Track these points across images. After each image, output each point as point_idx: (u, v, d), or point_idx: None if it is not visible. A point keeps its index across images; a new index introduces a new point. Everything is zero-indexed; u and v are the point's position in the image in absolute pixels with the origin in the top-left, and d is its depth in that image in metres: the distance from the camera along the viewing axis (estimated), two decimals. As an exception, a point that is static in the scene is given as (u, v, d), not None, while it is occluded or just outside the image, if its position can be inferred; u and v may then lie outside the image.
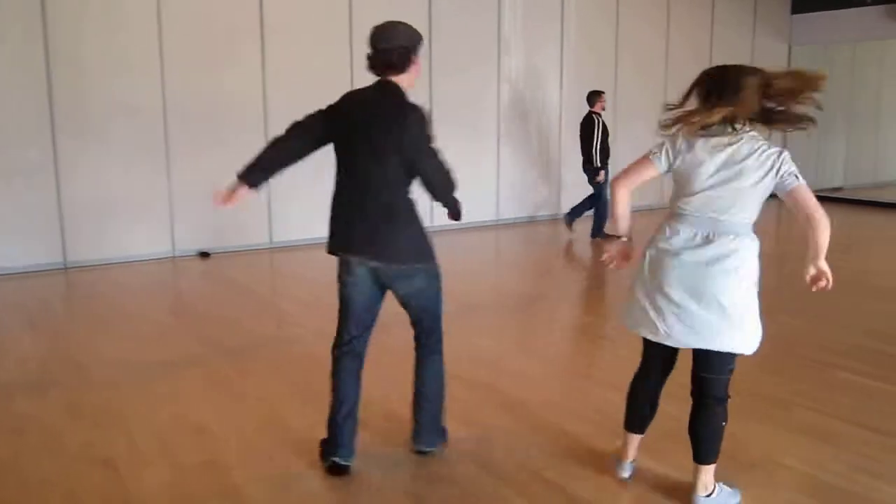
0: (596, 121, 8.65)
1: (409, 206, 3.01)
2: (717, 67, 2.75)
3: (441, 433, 3.35)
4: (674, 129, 2.70)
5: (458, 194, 3.08)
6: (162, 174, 7.61)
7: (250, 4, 7.85)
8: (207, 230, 7.88)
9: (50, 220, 7.12)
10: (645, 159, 2.81)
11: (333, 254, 3.18)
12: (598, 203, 8.81)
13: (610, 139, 8.79)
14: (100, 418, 3.79)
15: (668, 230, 2.76)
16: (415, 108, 2.91)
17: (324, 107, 3.10)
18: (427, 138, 2.93)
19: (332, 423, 3.15)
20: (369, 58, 2.98)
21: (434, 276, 3.13)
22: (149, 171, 7.55)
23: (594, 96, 8.73)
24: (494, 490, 3.04)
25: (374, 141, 2.92)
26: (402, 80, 2.98)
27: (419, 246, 3.03)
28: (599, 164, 8.66)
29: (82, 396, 4.09)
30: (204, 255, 7.84)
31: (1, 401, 4.03)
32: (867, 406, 3.91)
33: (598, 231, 8.81)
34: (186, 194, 7.72)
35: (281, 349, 4.96)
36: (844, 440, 3.51)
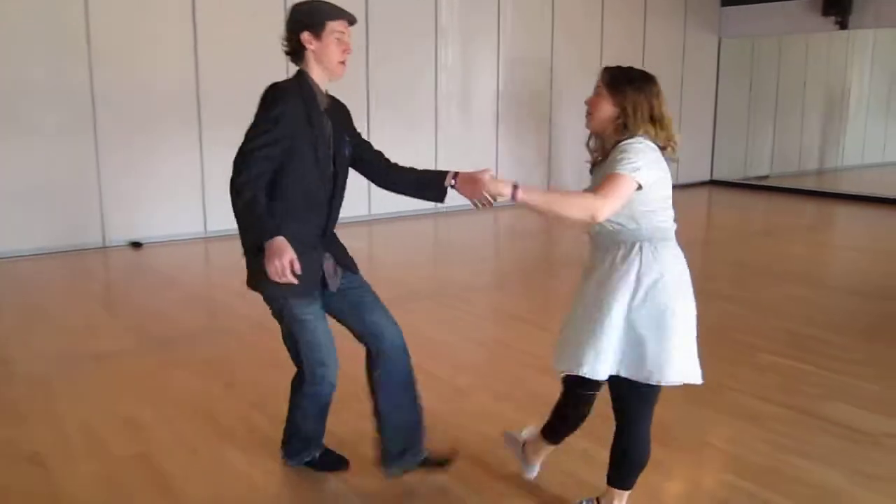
0: None
1: (237, 186, 2.55)
2: None
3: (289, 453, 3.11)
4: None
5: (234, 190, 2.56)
6: (91, 161, 7.38)
7: (181, -13, 7.66)
8: (139, 219, 7.68)
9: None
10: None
11: None
12: None
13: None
14: (25, 413, 3.68)
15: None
16: (268, 88, 2.58)
17: None
18: (257, 116, 2.55)
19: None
20: None
21: (273, 305, 2.75)
22: (77, 159, 7.30)
23: None
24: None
25: None
26: (310, 69, 2.64)
27: (251, 266, 2.68)
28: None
29: (6, 392, 3.97)
30: (136, 245, 7.64)
31: (-82, 397, 3.87)
32: (791, 387, 4.06)
33: None
34: (116, 182, 7.50)
35: (213, 340, 4.89)
36: (770, 420, 3.64)
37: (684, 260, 2.51)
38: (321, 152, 2.62)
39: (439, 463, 3.00)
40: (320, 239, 2.71)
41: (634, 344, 2.40)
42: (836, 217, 10.45)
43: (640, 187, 2.35)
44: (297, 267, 2.41)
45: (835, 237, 9.28)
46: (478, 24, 9.90)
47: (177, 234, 7.91)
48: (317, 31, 2.58)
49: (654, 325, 2.39)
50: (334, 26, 2.60)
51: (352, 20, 2.67)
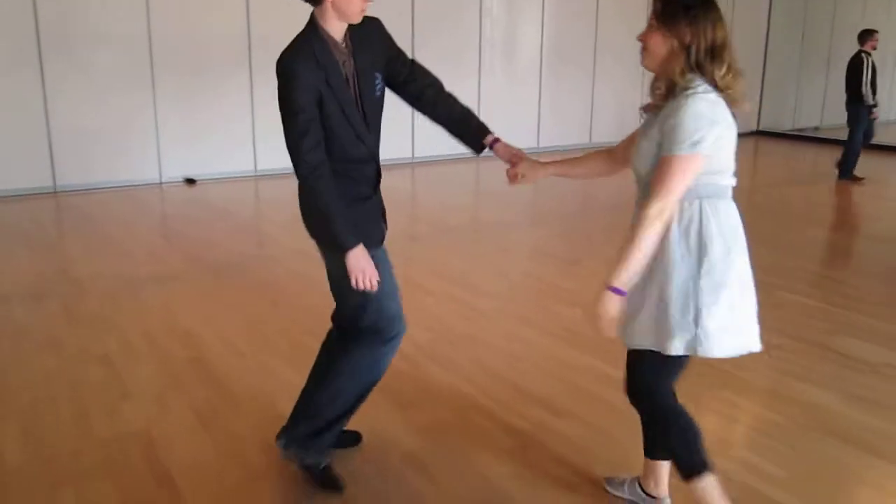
0: (865, 60, 8.87)
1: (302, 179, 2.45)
2: None
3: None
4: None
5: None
6: (149, 103, 7.77)
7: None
8: (194, 157, 8.09)
9: (39, 145, 7.30)
10: None
11: None
12: (851, 142, 9.04)
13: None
14: (95, 323, 4.11)
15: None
16: (278, 62, 2.43)
17: None
18: (280, 102, 2.44)
19: None
20: None
21: (331, 259, 2.59)
22: (135, 100, 7.71)
23: (865, 35, 9.00)
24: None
25: None
26: (325, 16, 2.40)
27: (308, 220, 2.57)
28: (873, 102, 8.92)
29: (77, 305, 4.41)
30: (190, 181, 8.06)
31: (2, 310, 4.33)
32: (803, 322, 4.27)
33: (847, 171, 9.00)
34: (172, 122, 7.90)
35: (260, 265, 5.29)
36: (777, 350, 3.86)
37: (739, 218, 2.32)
38: (348, 111, 2.44)
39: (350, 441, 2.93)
40: (373, 190, 2.60)
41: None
42: (886, 169, 10.36)
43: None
44: (377, 277, 2.39)
45: (879, 188, 9.23)
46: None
47: (229, 172, 8.32)
48: None
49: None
50: None
51: None
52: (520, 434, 3.02)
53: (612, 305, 2.16)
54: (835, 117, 13.17)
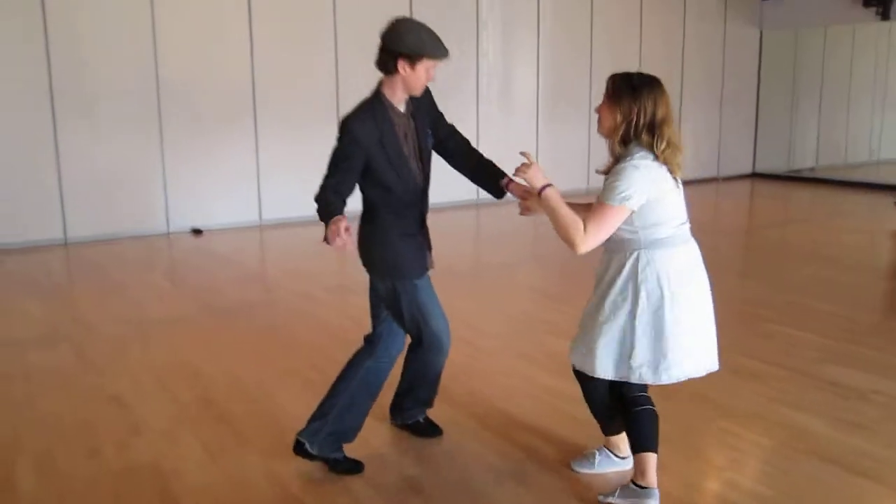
0: None
1: (370, 216, 3.01)
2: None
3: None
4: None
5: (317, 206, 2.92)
6: (156, 155, 8.02)
7: (239, -8, 8.26)
8: (200, 208, 8.31)
9: (51, 197, 7.53)
10: None
11: None
12: None
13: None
14: (105, 365, 4.26)
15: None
16: (342, 120, 2.89)
17: None
18: (334, 149, 2.90)
19: None
20: None
21: (398, 289, 3.01)
22: (144, 152, 7.95)
23: None
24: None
25: None
26: (392, 85, 2.88)
27: (368, 253, 3.05)
28: None
29: (88, 348, 4.56)
30: (196, 231, 8.26)
31: (15, 354, 4.48)
32: (792, 352, 4.39)
33: None
34: (180, 174, 8.14)
35: (266, 309, 5.44)
36: (766, 378, 3.99)
37: (693, 259, 2.65)
38: (398, 166, 2.88)
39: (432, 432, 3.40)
40: (419, 228, 3.05)
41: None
42: (879, 207, 10.52)
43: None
44: (348, 229, 2.69)
45: (874, 225, 9.39)
46: (517, 19, 10.29)
47: (234, 222, 8.52)
48: (413, 62, 2.79)
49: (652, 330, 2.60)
50: (431, 63, 2.83)
51: (447, 55, 2.86)
52: (515, 460, 3.14)
53: (538, 185, 2.67)
54: (829, 158, 13.44)
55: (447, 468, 3.12)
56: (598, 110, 2.66)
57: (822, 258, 7.01)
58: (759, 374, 4.04)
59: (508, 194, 3.14)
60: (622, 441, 3.01)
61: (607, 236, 2.57)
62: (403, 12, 9.08)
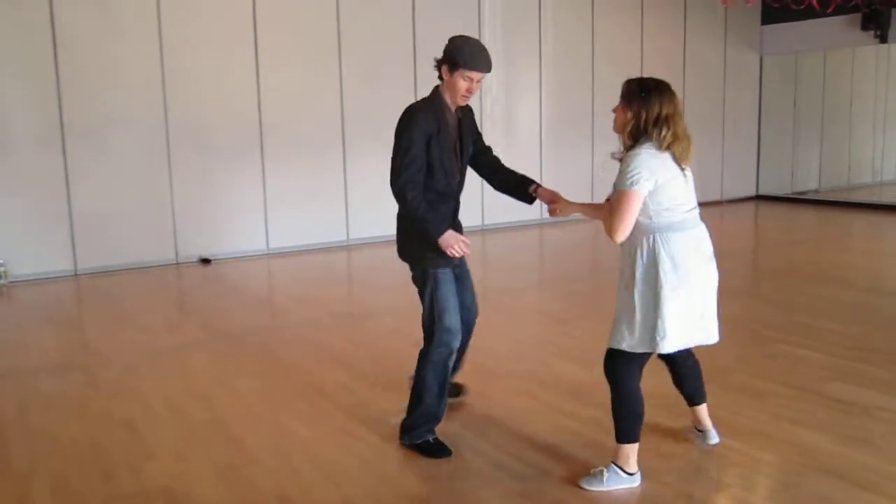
0: None
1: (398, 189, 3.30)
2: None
3: (404, 430, 3.48)
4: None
5: (402, 197, 3.25)
6: (165, 186, 8.13)
7: (244, 20, 8.40)
8: (208, 238, 8.40)
9: (61, 230, 7.63)
10: None
11: None
12: None
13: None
14: (117, 391, 4.32)
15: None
16: (405, 110, 3.34)
17: None
18: (397, 136, 3.29)
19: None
20: None
21: (419, 276, 3.40)
22: (153, 183, 8.06)
23: None
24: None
25: None
26: (443, 90, 3.34)
27: (402, 243, 3.45)
28: None
29: (100, 375, 4.62)
30: (205, 261, 8.34)
31: (28, 382, 4.53)
32: (794, 370, 4.42)
33: None
34: (188, 204, 8.25)
35: (274, 335, 5.50)
36: (771, 396, 4.01)
37: (702, 241, 3.03)
38: (445, 160, 3.29)
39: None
40: (452, 220, 3.42)
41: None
42: (885, 227, 10.56)
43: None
44: (466, 243, 3.26)
45: (879, 245, 9.43)
46: (520, 48, 10.43)
47: (242, 251, 8.60)
48: (451, 69, 3.23)
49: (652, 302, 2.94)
50: (467, 73, 3.22)
51: (486, 70, 3.25)
52: (525, 479, 3.17)
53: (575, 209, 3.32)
54: (832, 179, 13.50)
55: (456, 487, 3.15)
56: (614, 110, 3.08)
57: (827, 278, 7.04)
58: (764, 393, 4.06)
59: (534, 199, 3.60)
60: (633, 453, 3.08)
61: (632, 220, 2.90)
62: (407, 41, 9.28)
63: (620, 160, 3.01)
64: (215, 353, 5.03)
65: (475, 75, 3.23)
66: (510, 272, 7.79)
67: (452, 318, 3.36)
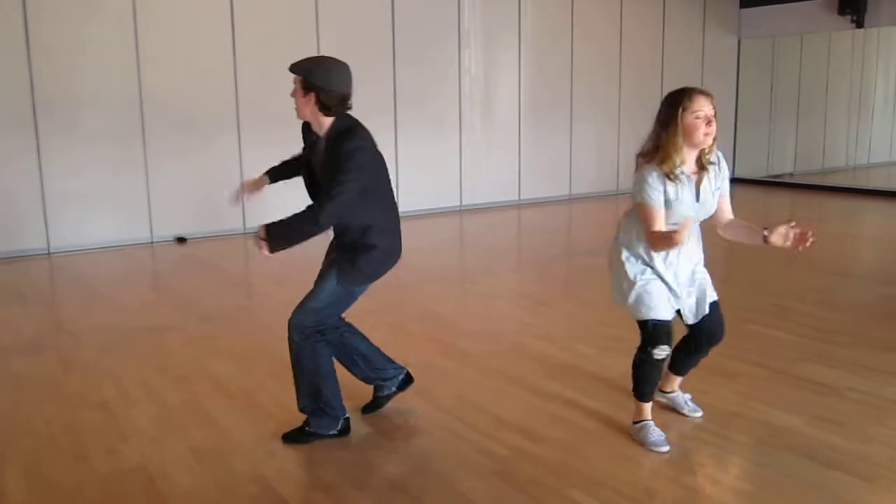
0: None
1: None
2: None
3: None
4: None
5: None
6: (140, 164, 8.03)
7: (221, 2, 8.28)
8: (184, 217, 8.32)
9: (34, 208, 7.52)
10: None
11: None
12: None
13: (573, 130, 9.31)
14: (91, 372, 4.27)
15: None
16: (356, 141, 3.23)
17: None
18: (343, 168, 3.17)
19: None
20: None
21: (336, 283, 3.34)
22: (127, 162, 7.96)
23: None
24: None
25: None
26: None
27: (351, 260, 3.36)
28: None
29: (73, 356, 4.57)
30: (181, 240, 8.27)
31: (-1, 362, 4.48)
32: (769, 351, 4.47)
33: None
34: (163, 183, 8.15)
35: (250, 315, 5.48)
36: (743, 377, 4.07)
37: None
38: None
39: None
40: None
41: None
42: (857, 211, 10.70)
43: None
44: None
45: (851, 229, 9.55)
46: (499, 29, 10.38)
47: (218, 230, 8.53)
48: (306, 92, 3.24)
49: None
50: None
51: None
52: (500, 459, 3.19)
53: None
54: (807, 163, 13.63)
55: (432, 468, 3.16)
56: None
57: (800, 261, 7.11)
58: (738, 374, 4.11)
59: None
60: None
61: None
62: (385, 24, 9.20)
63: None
64: (191, 333, 4.99)
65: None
66: (488, 254, 7.80)
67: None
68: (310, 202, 3.26)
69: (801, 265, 6.90)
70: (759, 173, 13.19)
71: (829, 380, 4.01)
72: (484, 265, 7.18)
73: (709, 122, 3.02)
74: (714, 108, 3.05)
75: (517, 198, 10.76)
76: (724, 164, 3.25)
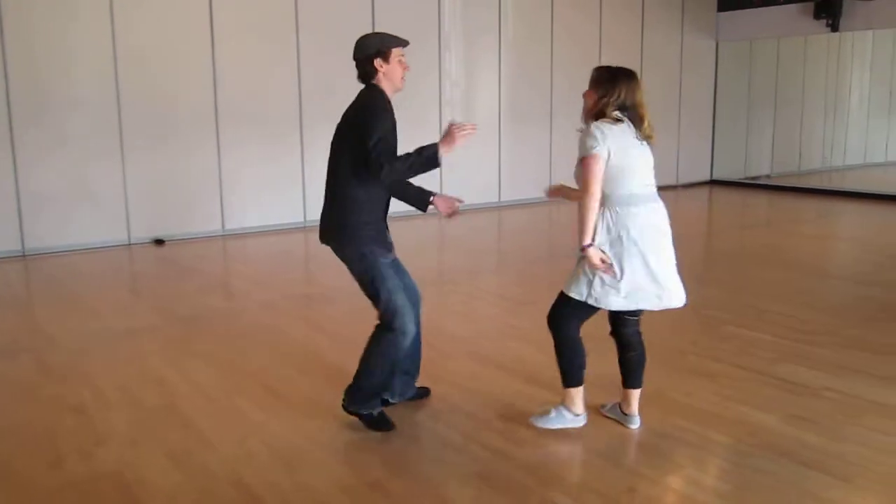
0: None
1: (349, 199, 3.34)
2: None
3: (356, 402, 3.47)
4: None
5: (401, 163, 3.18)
6: (117, 166, 7.95)
7: (199, 1, 8.22)
8: (162, 218, 8.25)
9: (8, 209, 7.42)
10: None
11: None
12: None
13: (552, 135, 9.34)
14: (67, 375, 4.22)
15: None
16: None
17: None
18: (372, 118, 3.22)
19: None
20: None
21: (356, 261, 3.36)
22: (104, 163, 7.87)
23: None
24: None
25: (334, 138, 3.44)
26: (381, 84, 3.35)
27: (345, 234, 3.37)
28: None
29: (50, 359, 4.51)
30: (159, 242, 8.19)
31: (-27, 365, 4.41)
32: (748, 352, 4.51)
33: None
34: (141, 184, 8.07)
35: (229, 318, 5.43)
36: (722, 378, 4.10)
37: (658, 215, 3.25)
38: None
39: (424, 394, 3.84)
40: (385, 212, 3.46)
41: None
42: (832, 212, 10.82)
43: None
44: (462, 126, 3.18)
45: (826, 230, 9.67)
46: (480, 32, 10.40)
47: (197, 232, 8.46)
48: (385, 57, 3.31)
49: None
50: (397, 52, 3.34)
51: (407, 43, 3.39)
52: (481, 460, 3.18)
53: (595, 254, 3.13)
54: (784, 165, 13.77)
55: (413, 470, 3.16)
56: (584, 94, 3.31)
57: (778, 262, 7.19)
58: (716, 374, 4.14)
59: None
60: (578, 396, 3.41)
61: (599, 183, 3.13)
62: (365, 22, 9.17)
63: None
64: (169, 336, 4.94)
65: (402, 51, 3.36)
66: (470, 255, 7.81)
67: (403, 300, 3.40)
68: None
69: (778, 266, 6.97)
70: (736, 175, 13.31)
71: (805, 380, 4.05)
72: (465, 267, 7.18)
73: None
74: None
75: (497, 200, 10.78)
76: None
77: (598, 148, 3.12)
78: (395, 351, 3.41)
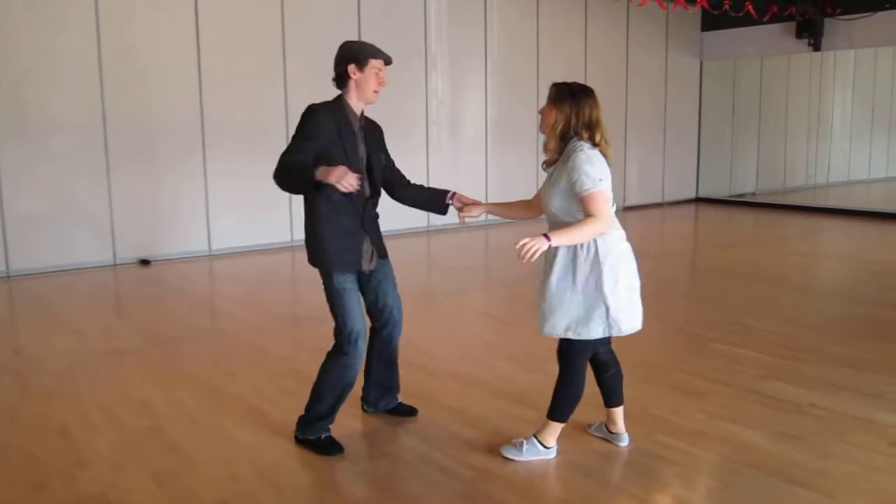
0: None
1: (309, 211, 3.35)
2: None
3: (302, 427, 3.49)
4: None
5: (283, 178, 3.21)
6: (103, 186, 7.91)
7: (186, 20, 8.24)
8: (148, 238, 8.21)
9: (-8, 229, 7.38)
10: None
11: None
12: None
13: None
14: (50, 397, 4.18)
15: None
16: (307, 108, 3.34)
17: None
18: (296, 130, 3.29)
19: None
20: None
21: (324, 279, 3.38)
22: (90, 184, 7.84)
23: None
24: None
25: None
26: (349, 95, 3.34)
27: (309, 248, 3.40)
28: None
29: (33, 380, 4.47)
30: (144, 262, 8.15)
31: (-45, 387, 4.36)
32: (734, 369, 4.52)
33: None
34: (127, 204, 8.04)
35: (215, 338, 5.40)
36: (709, 395, 4.10)
37: (624, 241, 3.20)
38: (351, 162, 3.22)
39: (408, 412, 3.82)
40: (360, 227, 3.36)
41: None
42: (817, 229, 10.90)
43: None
44: (354, 178, 3.03)
45: (812, 247, 9.73)
46: (466, 47, 10.46)
47: (183, 252, 8.43)
48: (360, 65, 3.28)
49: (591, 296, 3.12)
50: (374, 63, 3.30)
51: (388, 61, 3.36)
52: (466, 481, 3.17)
53: (542, 243, 2.96)
54: (768, 183, 13.88)
55: (399, 490, 3.14)
56: (542, 112, 3.19)
57: (763, 279, 7.23)
58: (702, 392, 4.15)
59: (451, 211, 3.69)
60: (557, 431, 3.35)
61: (609, 213, 3.06)
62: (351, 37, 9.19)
63: (551, 164, 3.23)
64: (153, 357, 4.91)
65: (381, 65, 3.33)
66: (455, 273, 7.81)
67: (357, 323, 3.34)
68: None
69: (764, 282, 7.01)
70: (721, 193, 13.41)
71: (792, 396, 4.06)
72: (451, 285, 7.18)
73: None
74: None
75: (485, 218, 10.78)
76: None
77: (605, 181, 3.05)
78: (347, 376, 3.39)
